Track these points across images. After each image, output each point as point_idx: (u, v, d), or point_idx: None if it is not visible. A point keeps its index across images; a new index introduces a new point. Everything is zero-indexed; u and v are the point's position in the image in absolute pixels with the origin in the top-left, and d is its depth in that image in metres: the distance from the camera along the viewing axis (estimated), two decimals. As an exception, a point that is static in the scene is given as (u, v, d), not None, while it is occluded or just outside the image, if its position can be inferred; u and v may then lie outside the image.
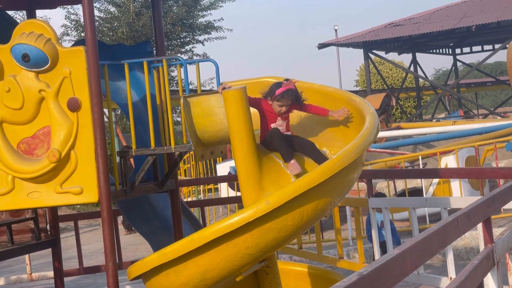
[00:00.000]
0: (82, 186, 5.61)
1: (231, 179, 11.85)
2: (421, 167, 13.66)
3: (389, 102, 25.38)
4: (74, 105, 5.60)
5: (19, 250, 6.83)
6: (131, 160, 8.56)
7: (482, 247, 4.57)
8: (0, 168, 5.65)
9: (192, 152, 16.28)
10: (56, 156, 5.56)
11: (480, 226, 4.04)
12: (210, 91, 5.90)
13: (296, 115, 6.07)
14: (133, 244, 14.76)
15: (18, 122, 5.67)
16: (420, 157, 13.63)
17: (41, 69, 5.59)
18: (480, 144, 13.32)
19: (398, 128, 22.63)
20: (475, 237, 9.68)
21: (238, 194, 11.88)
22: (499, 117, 27.19)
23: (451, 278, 6.17)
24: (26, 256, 9.60)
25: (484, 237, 3.39)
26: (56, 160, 5.56)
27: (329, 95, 5.91)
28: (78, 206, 20.43)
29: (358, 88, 46.10)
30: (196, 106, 5.72)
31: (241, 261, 5.14)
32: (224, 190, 15.12)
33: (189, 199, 16.14)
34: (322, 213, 5.28)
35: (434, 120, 29.33)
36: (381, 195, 8.45)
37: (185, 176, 18.72)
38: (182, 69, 6.04)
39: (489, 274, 3.35)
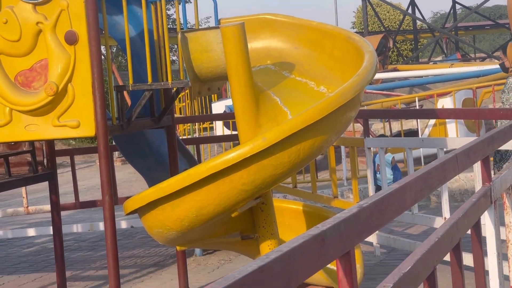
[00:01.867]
0: (79, 119, 5.61)
1: (227, 117, 11.84)
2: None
3: (386, 44, 25.27)
4: (71, 38, 5.56)
5: (17, 182, 6.85)
6: (127, 97, 8.53)
7: (478, 187, 4.60)
8: (-2, 100, 5.64)
9: (187, 91, 16.24)
10: (53, 89, 5.54)
11: (477, 165, 4.06)
12: (208, 27, 5.85)
13: (294, 53, 6.04)
14: (128, 181, 14.83)
15: (16, 54, 5.63)
16: (416, 99, 13.63)
17: (39, 1, 5.53)
18: (478, 86, 13.30)
19: (395, 70, 22.57)
20: (470, 179, 9.74)
21: (234, 133, 11.88)
22: (496, 61, 27.12)
23: (445, 218, 6.22)
24: (23, 189, 9.63)
25: (482, 175, 3.41)
26: (53, 93, 5.54)
27: (328, 33, 5.86)
28: (74, 142, 20.46)
29: (355, 30, 45.84)
30: (194, 41, 5.67)
31: (237, 197, 5.17)
32: (220, 129, 15.13)
33: (185, 137, 16.16)
34: (319, 151, 5.29)
35: (431, 63, 29.23)
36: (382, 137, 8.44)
37: (181, 114, 18.70)
38: (180, 5, 5.98)
39: (486, 213, 3.37)
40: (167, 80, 6.09)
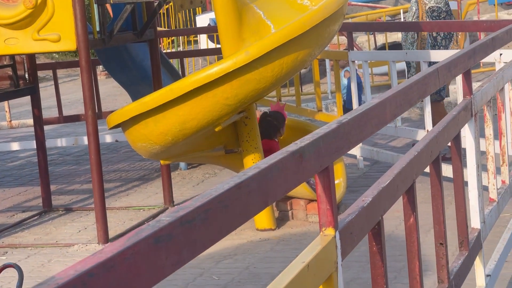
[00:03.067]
0: (60, 33, 5.54)
1: (211, 30, 11.73)
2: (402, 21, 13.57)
3: (373, -45, 24.90)
4: (49, -50, 5.44)
5: (-2, 96, 6.81)
6: (109, 9, 8.42)
7: (460, 99, 4.62)
8: (-25, 14, 5.55)
9: (171, 3, 16.02)
10: (32, 2, 5.45)
11: (459, 78, 4.06)
12: None
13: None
14: (112, 95, 14.76)
15: (-8, -34, 5.52)
16: (401, 11, 13.52)
17: None
18: (463, -2, 13.20)
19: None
20: (453, 91, 9.77)
21: (218, 46, 11.80)
22: (483, -28, 26.82)
23: (427, 130, 6.25)
24: (5, 103, 9.58)
25: (463, 88, 3.41)
26: (33, 6, 5.46)
27: None
28: (57, 55, 20.27)
29: None
30: (176, -47, 5.58)
31: (220, 112, 5.18)
32: (204, 42, 15.00)
33: (169, 51, 16.03)
34: (302, 65, 5.28)
35: (417, -26, 28.90)
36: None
37: (165, 27, 18.51)
38: None
39: (466, 126, 3.38)
40: (148, -8, 6.00)
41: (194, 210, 1.34)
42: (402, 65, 11.74)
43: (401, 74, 9.43)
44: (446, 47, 7.51)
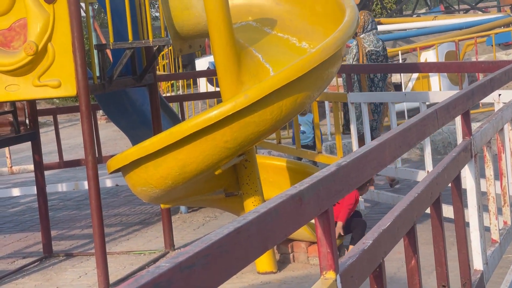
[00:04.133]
0: (60, 79, 5.57)
1: (210, 74, 11.79)
2: (400, 62, 13.64)
3: (370, -3, 25.11)
4: (49, -3, 5.49)
5: (-2, 143, 6.82)
6: (109, 54, 8.48)
7: (460, 140, 4.62)
8: (-24, 61, 5.58)
9: (170, 48, 16.12)
10: (33, 48, 5.49)
11: (458, 119, 4.07)
12: (189, -16, 5.80)
13: (275, 9, 6.00)
14: (112, 139, 14.79)
15: (-7, 14, 5.57)
16: (399, 52, 13.60)
17: (15, -41, 5.46)
18: (461, 39, 13.28)
19: (378, 23, 22.48)
20: (452, 131, 9.78)
21: (217, 89, 11.86)
22: (480, 12, 27.04)
23: (428, 171, 6.25)
24: (6, 149, 9.59)
25: (462, 129, 3.42)
26: (33, 53, 5.49)
27: (309, -12, 5.83)
28: (58, 101, 20.35)
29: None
30: (174, -1, 5.63)
31: (220, 155, 5.18)
32: (203, 86, 15.07)
33: (168, 94, 16.10)
34: (301, 107, 5.30)
35: (414, 16, 29.12)
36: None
37: (164, 71, 18.61)
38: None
39: (466, 167, 3.38)
40: (148, 38, 6.05)
41: (194, 255, 1.33)
42: (401, 106, 11.79)
43: (400, 115, 9.47)
44: (382, 89, 8.18)
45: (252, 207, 5.57)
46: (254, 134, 5.15)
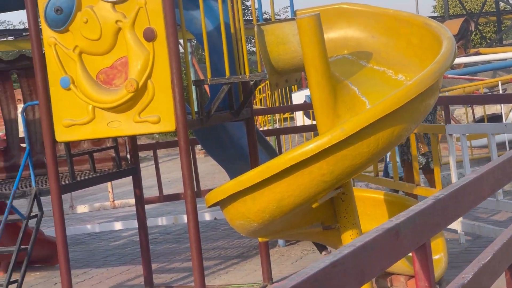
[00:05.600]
0: (160, 115, 5.70)
1: (307, 107, 11.83)
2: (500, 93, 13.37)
3: (468, 27, 24.78)
4: (150, 35, 5.65)
5: (101, 177, 7.01)
6: (207, 89, 8.63)
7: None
8: (81, 98, 5.78)
9: (267, 81, 16.28)
10: (133, 85, 5.65)
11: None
12: (284, 19, 5.87)
13: (371, 42, 6.00)
14: (211, 173, 14.98)
15: (97, 53, 5.76)
16: (499, 83, 13.34)
17: (117, -1, 5.65)
18: None
19: (477, 53, 22.12)
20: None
21: (314, 122, 11.88)
22: None
23: (530, 204, 6.10)
24: (108, 184, 9.86)
25: None
26: (134, 90, 5.65)
27: (404, 20, 5.80)
28: (157, 136, 20.76)
29: (435, 14, 45.07)
30: (270, 34, 5.70)
31: (317, 188, 5.18)
32: (300, 119, 15.13)
33: (265, 128, 16.22)
34: (398, 140, 5.25)
35: (515, 45, 28.52)
36: None
37: (261, 105, 18.77)
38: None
39: None
40: (245, 73, 6.13)
41: (290, 289, 1.35)
42: (502, 137, 11.53)
43: (501, 146, 9.26)
44: (431, 122, 8.36)
45: (350, 240, 5.54)
46: (350, 167, 5.14)
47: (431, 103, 5.28)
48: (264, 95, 19.16)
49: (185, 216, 9.59)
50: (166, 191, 9.67)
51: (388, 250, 1.69)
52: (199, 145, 11.07)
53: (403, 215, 1.79)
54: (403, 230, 1.76)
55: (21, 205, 7.30)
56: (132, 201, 8.82)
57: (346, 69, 5.87)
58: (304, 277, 1.38)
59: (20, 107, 7.31)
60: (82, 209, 10.77)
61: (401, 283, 5.98)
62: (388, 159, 9.24)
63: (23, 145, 7.36)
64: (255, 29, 5.66)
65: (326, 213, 5.83)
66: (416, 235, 1.82)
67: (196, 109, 6.12)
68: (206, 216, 9.28)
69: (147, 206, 8.05)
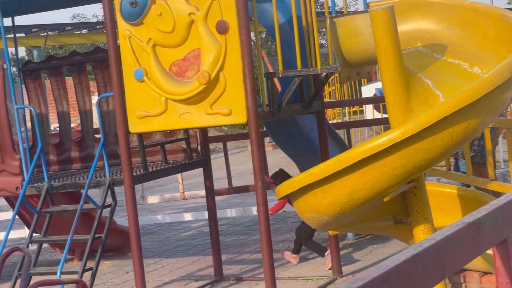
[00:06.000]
0: (231, 107, 5.73)
1: (377, 100, 11.74)
2: None
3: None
4: (222, 28, 5.68)
5: (173, 169, 7.09)
6: (277, 83, 8.64)
7: None
8: (154, 90, 5.85)
9: (337, 75, 16.21)
10: (206, 78, 5.68)
11: None
12: (356, 11, 5.83)
13: (446, 35, 5.91)
14: (279, 165, 14.98)
15: (170, 45, 5.81)
16: None
17: (190, -8, 5.69)
18: None
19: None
20: None
21: (384, 116, 11.77)
22: None
23: None
24: (179, 175, 9.95)
25: None
26: (206, 82, 5.69)
27: (481, 12, 5.70)
28: (226, 128, 20.87)
29: (511, 6, 44.17)
30: (342, 26, 5.66)
31: (388, 182, 5.14)
32: (370, 112, 15.02)
33: (334, 121, 16.16)
34: (473, 134, 5.17)
35: None
36: None
37: (330, 98, 18.71)
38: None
39: None
40: (316, 65, 6.11)
41: (371, 281, 1.34)
42: None
43: None
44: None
45: (422, 235, 5.48)
46: (423, 161, 5.08)
47: (508, 97, 5.18)
48: (333, 88, 19.09)
49: (254, 208, 9.64)
50: (235, 183, 9.71)
51: (468, 245, 1.66)
52: (268, 137, 11.08)
53: (484, 209, 1.76)
54: (484, 224, 1.73)
55: (94, 194, 7.42)
56: (201, 192, 8.89)
57: (420, 62, 5.79)
58: (385, 269, 1.37)
59: (95, 98, 7.44)
60: (152, 199, 10.90)
61: (474, 279, 5.89)
62: (460, 155, 9.10)
63: (98, 136, 7.48)
64: (327, 21, 5.63)
65: (398, 207, 5.77)
66: (497, 230, 1.79)
67: (267, 102, 6.13)
68: (275, 208, 9.28)
69: (216, 198, 8.10)
